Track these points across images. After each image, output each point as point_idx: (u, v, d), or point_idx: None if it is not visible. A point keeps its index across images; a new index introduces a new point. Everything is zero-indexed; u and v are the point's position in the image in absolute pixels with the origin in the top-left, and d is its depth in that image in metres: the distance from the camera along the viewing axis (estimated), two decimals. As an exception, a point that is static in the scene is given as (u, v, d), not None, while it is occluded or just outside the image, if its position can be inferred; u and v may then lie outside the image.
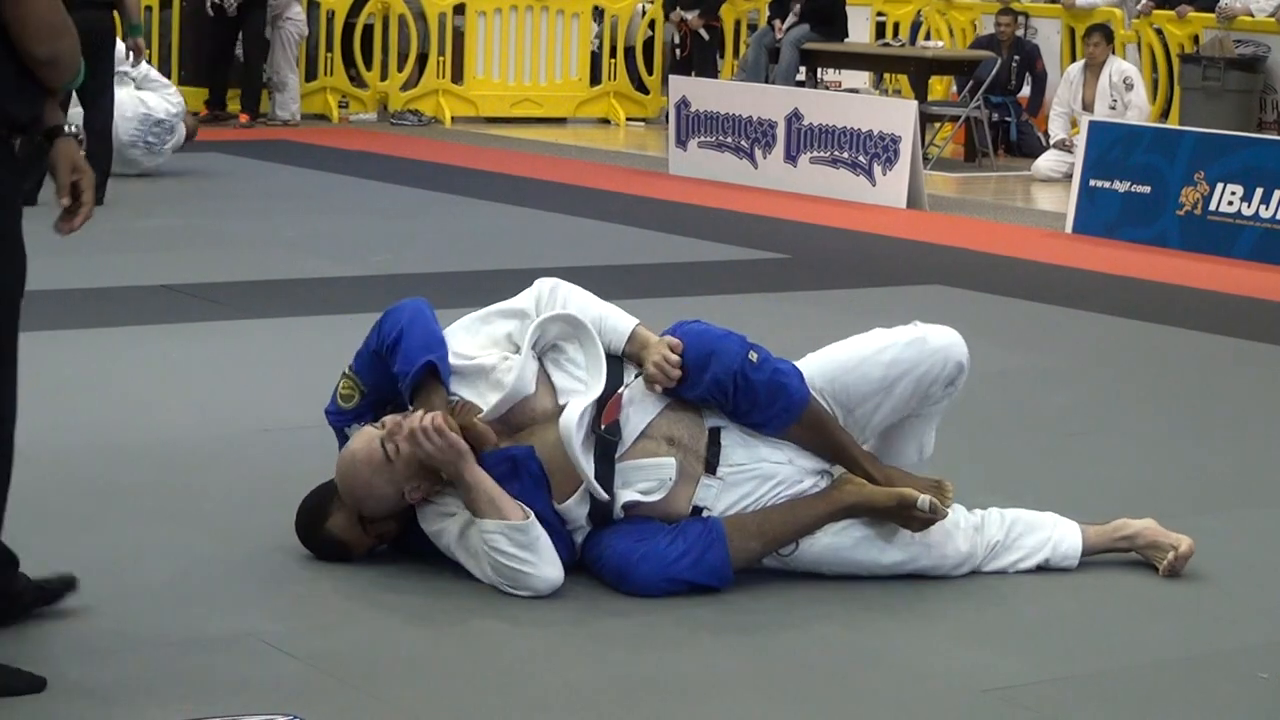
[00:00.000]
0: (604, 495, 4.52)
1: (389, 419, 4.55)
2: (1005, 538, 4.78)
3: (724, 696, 4.00)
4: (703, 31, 17.17)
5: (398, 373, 4.57)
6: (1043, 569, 4.80)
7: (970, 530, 4.74)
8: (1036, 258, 10.57)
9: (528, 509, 4.44)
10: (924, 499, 4.59)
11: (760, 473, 4.62)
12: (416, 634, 4.26)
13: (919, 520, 4.61)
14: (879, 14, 18.60)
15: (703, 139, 13.64)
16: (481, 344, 4.69)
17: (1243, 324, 8.66)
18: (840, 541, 4.62)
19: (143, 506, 5.12)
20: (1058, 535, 4.84)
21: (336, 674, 4.00)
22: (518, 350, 4.64)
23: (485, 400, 4.57)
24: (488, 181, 12.90)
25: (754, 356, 4.62)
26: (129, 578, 4.54)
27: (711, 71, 16.61)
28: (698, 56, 16.95)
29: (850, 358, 4.78)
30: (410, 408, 4.56)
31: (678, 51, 17.45)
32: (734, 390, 4.59)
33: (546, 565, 4.44)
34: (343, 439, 4.74)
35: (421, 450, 4.43)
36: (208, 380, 6.65)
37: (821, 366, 4.76)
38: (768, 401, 4.62)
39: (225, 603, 4.39)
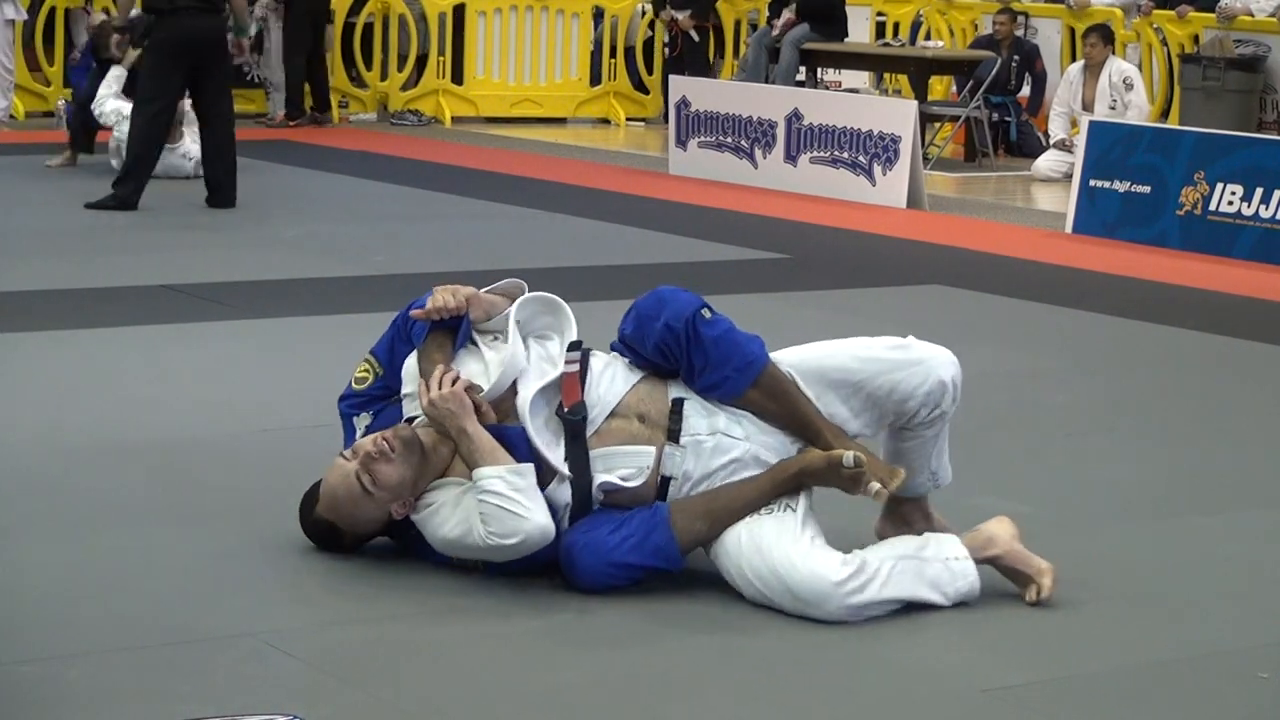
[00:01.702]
0: (560, 465, 4.49)
1: (360, 443, 4.58)
2: (894, 569, 4.46)
3: (723, 696, 4.00)
4: (693, 33, 17.16)
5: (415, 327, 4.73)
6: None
7: (849, 561, 4.44)
8: (1036, 258, 10.57)
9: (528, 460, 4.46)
10: (849, 455, 4.46)
11: (717, 445, 4.55)
12: (416, 634, 4.26)
13: (848, 479, 4.48)
14: (879, 14, 18.59)
15: (703, 139, 13.64)
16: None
17: (1243, 324, 8.66)
18: (743, 534, 4.45)
19: (143, 506, 5.12)
20: (948, 573, 4.54)
21: (336, 674, 4.00)
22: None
23: (480, 380, 4.61)
24: (488, 181, 12.90)
25: (707, 314, 4.57)
26: (129, 578, 4.55)
27: (704, 72, 16.61)
28: (690, 57, 16.94)
29: (828, 347, 4.72)
30: (417, 350, 4.68)
31: (667, 50, 17.45)
32: (686, 341, 4.53)
33: (539, 512, 4.41)
34: (349, 431, 4.76)
35: (426, 400, 4.49)
36: (208, 380, 6.65)
37: (798, 350, 4.71)
38: (721, 359, 4.54)
39: (225, 603, 4.39)
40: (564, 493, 4.53)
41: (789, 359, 4.67)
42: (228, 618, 4.29)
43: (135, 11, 12.38)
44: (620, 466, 4.53)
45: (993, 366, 7.45)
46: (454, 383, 4.53)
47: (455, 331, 4.73)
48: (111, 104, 12.00)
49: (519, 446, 4.50)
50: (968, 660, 4.25)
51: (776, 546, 4.43)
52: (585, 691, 3.99)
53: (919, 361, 4.66)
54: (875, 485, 4.51)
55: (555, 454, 4.54)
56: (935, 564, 4.52)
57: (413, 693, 3.94)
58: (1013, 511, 4.97)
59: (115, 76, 12.14)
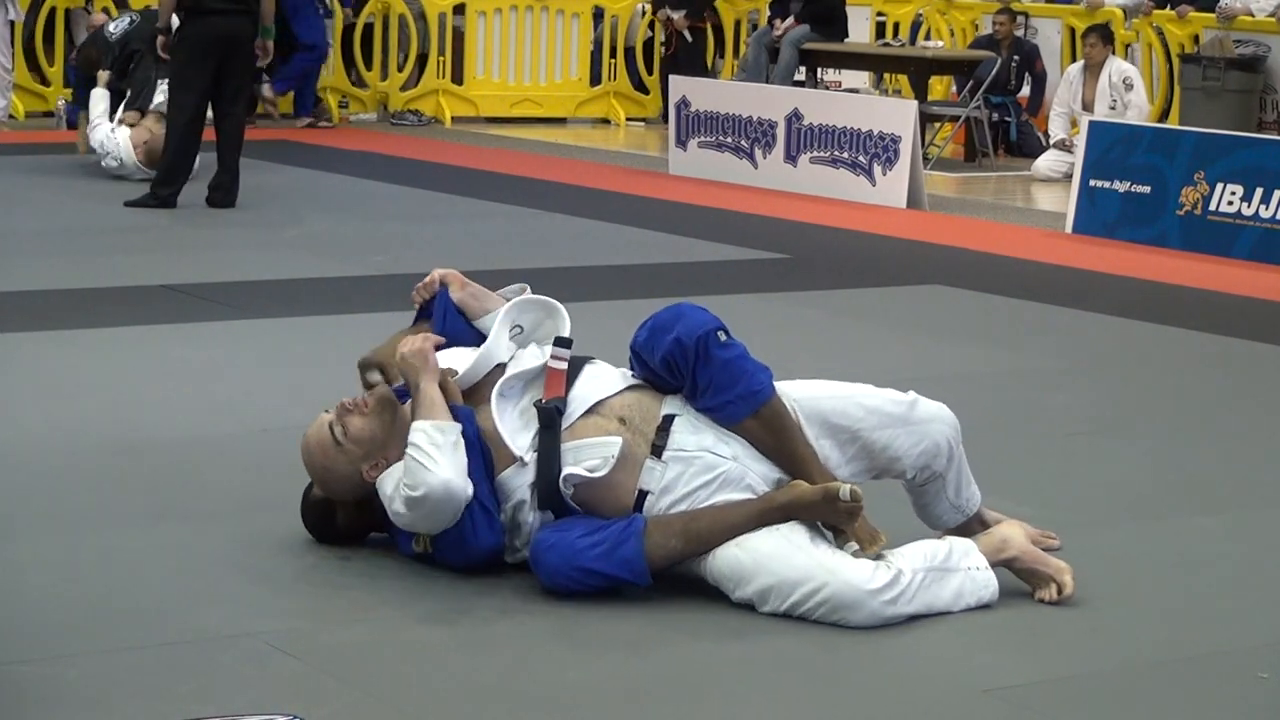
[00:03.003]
0: (519, 452, 4.50)
1: (344, 400, 4.68)
2: (923, 581, 4.45)
3: (723, 697, 4.00)
4: (686, 33, 17.17)
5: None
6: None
7: (884, 567, 4.43)
8: (1036, 258, 10.57)
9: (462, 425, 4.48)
10: (845, 488, 4.42)
11: (702, 462, 4.52)
12: (416, 634, 4.26)
13: (844, 512, 4.44)
14: (879, 14, 18.60)
15: (703, 139, 13.64)
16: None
17: (1243, 324, 8.66)
18: (741, 554, 4.43)
19: (143, 506, 5.12)
20: (970, 582, 4.54)
21: (336, 674, 4.00)
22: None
23: (459, 365, 4.70)
24: (488, 181, 12.90)
25: (723, 336, 4.54)
26: (129, 578, 4.55)
27: (700, 72, 16.60)
28: (685, 57, 16.94)
29: (836, 388, 4.71)
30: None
31: (663, 49, 17.46)
32: (694, 359, 4.50)
33: (448, 468, 4.39)
34: None
35: (399, 354, 4.60)
36: (208, 380, 6.65)
37: (803, 386, 4.70)
38: (727, 382, 4.51)
39: (225, 603, 4.39)
40: (523, 479, 4.53)
41: (795, 393, 4.66)
42: (228, 618, 4.29)
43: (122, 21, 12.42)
44: (587, 458, 4.52)
45: (993, 366, 7.46)
46: (421, 341, 4.62)
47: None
48: (103, 132, 12.02)
49: (466, 424, 4.51)
50: (968, 660, 4.25)
51: (797, 559, 4.40)
52: (587, 693, 3.99)
53: (918, 422, 4.69)
54: (854, 546, 4.46)
55: (520, 440, 4.54)
56: (959, 574, 4.51)
57: (413, 693, 3.94)
58: (1013, 512, 4.98)
59: (100, 95, 12.16)
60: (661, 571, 4.48)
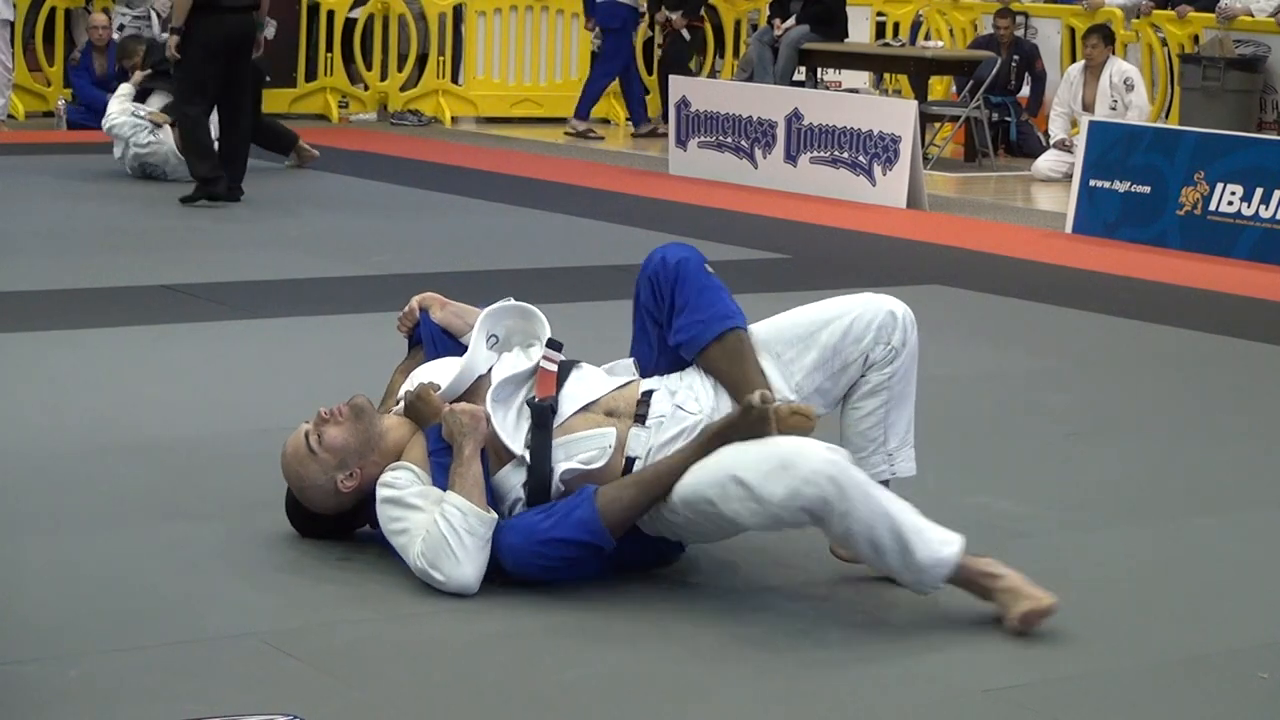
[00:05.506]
0: (518, 450, 4.52)
1: (321, 409, 4.71)
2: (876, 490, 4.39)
3: (722, 697, 4.00)
4: (685, 32, 17.16)
5: None
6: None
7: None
8: (1036, 258, 10.57)
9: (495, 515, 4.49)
10: (755, 394, 4.42)
11: (675, 417, 4.57)
12: (417, 634, 4.26)
13: (757, 418, 4.40)
14: (879, 14, 18.61)
15: (703, 139, 13.64)
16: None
17: (1243, 324, 8.66)
18: (698, 472, 4.39)
19: (143, 505, 5.12)
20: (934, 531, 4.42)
21: (336, 674, 4.00)
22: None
23: (442, 379, 4.72)
24: (488, 181, 12.90)
25: (709, 267, 4.69)
26: (129, 578, 4.55)
27: (682, 71, 16.55)
28: (675, 55, 16.92)
29: (792, 312, 4.80)
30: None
31: (658, 49, 17.44)
32: (675, 277, 4.62)
33: (472, 569, 4.42)
34: None
35: (451, 409, 4.54)
36: (208, 380, 6.65)
37: (768, 322, 4.78)
38: (702, 305, 4.62)
39: (225, 603, 4.39)
40: (518, 477, 4.55)
41: (758, 330, 4.73)
42: (228, 618, 4.29)
43: (129, 15, 12.47)
44: (582, 451, 4.55)
45: (993, 366, 7.46)
46: (471, 415, 4.57)
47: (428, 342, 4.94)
48: (121, 119, 12.06)
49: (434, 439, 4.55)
50: (968, 660, 4.25)
51: (750, 449, 4.36)
52: (586, 692, 3.99)
53: (868, 301, 4.73)
54: (757, 396, 4.43)
55: (516, 439, 4.57)
56: (927, 532, 4.37)
57: (413, 693, 3.94)
58: (1013, 511, 4.98)
59: (125, 93, 12.18)
60: (624, 527, 4.46)
